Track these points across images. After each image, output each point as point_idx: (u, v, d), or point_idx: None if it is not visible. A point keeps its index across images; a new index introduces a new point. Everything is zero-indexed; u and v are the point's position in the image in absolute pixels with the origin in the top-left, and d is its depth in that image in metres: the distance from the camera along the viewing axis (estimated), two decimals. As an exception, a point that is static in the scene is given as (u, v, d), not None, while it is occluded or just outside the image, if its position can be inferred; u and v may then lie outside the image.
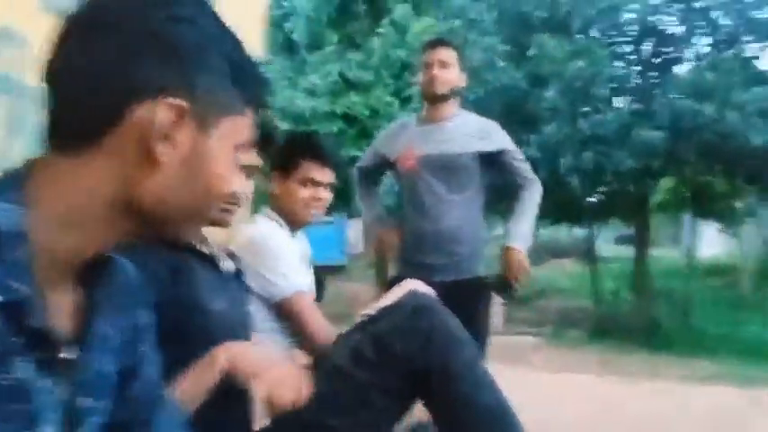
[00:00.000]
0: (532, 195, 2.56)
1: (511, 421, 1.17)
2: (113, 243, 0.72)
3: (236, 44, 0.73)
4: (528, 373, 5.35)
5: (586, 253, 10.05)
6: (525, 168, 2.57)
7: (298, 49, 12.60)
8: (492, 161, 2.52)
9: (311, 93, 11.43)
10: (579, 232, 11.85)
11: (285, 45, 13.04)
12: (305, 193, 1.83)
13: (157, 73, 0.65)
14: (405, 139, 2.53)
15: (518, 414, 1.22)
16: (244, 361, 1.11)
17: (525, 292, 9.72)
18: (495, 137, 2.54)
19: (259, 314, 1.68)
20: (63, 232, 0.66)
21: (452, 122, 2.51)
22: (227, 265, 1.42)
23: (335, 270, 9.89)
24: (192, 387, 1.08)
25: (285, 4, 13.01)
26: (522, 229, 2.51)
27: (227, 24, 0.73)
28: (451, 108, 2.53)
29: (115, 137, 0.65)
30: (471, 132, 2.50)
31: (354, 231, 10.27)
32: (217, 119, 0.69)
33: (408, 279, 1.88)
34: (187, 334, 1.16)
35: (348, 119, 11.28)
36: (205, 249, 1.36)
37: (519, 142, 7.75)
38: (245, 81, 0.72)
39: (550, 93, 7.71)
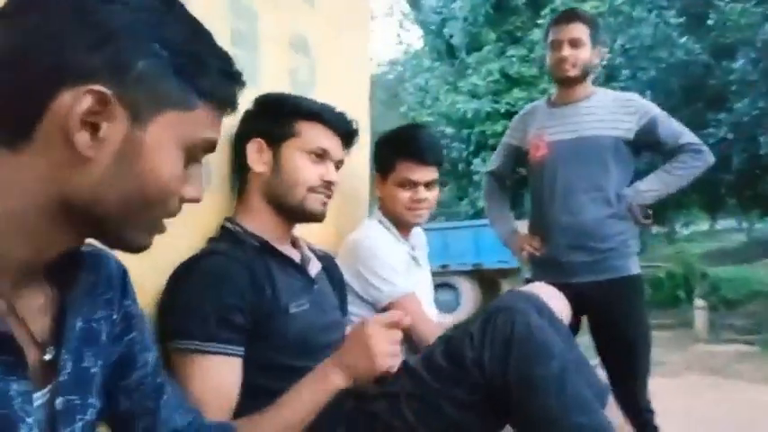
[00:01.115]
0: (687, 160, 2.13)
1: None
2: (66, 248, 0.68)
3: (186, 31, 0.66)
4: (734, 386, 4.62)
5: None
6: (687, 135, 2.15)
7: (458, 53, 12.53)
8: (640, 140, 2.14)
9: (473, 94, 11.28)
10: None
11: (446, 50, 13.07)
12: (404, 195, 1.73)
13: (84, 57, 0.60)
14: (535, 124, 2.26)
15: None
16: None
17: (735, 294, 8.62)
18: (638, 110, 2.16)
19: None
20: (6, 239, 0.62)
21: (587, 103, 2.19)
22: (316, 268, 1.39)
23: (509, 273, 9.57)
24: (304, 402, 1.04)
25: (443, 9, 13.03)
26: (643, 184, 2.16)
27: (183, 9, 0.67)
28: (586, 88, 2.21)
29: (43, 129, 0.60)
30: (610, 111, 2.16)
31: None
32: (155, 111, 0.64)
33: (534, 283, 1.66)
34: (269, 336, 1.18)
35: (512, 116, 10.90)
36: (289, 252, 1.33)
37: (706, 124, 7.01)
38: (198, 73, 0.66)
39: (739, 64, 6.73)
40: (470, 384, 1.04)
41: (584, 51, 2.14)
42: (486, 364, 1.02)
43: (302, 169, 1.29)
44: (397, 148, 1.74)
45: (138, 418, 0.84)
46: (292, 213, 1.32)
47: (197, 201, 0.72)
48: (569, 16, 2.21)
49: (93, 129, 0.61)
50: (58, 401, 0.68)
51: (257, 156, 1.31)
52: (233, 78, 0.71)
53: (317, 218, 1.34)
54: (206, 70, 0.67)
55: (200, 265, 1.16)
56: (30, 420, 0.63)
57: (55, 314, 0.70)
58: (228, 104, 0.71)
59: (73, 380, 0.70)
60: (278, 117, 1.31)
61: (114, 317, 0.80)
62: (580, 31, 2.14)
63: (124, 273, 0.82)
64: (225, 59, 0.69)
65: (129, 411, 0.83)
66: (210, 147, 0.71)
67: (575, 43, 2.13)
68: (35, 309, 0.68)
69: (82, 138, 0.60)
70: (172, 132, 0.65)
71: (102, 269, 0.78)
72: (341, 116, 1.36)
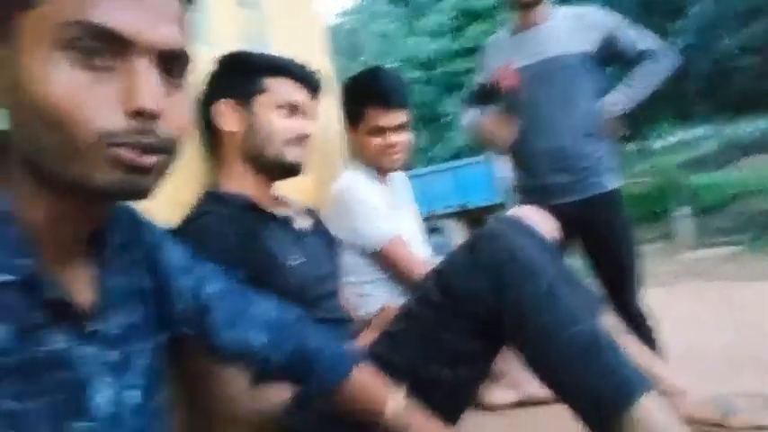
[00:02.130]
0: (645, 67, 2.12)
1: (606, 349, 0.94)
2: (66, 215, 0.65)
3: None
4: (723, 287, 4.75)
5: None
6: (642, 42, 2.14)
7: (412, -6, 12.28)
8: (604, 53, 2.13)
9: (432, 34, 11.12)
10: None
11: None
12: (376, 141, 1.71)
13: None
14: (501, 56, 2.23)
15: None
16: None
17: (716, 198, 8.76)
18: (597, 23, 2.14)
19: (360, 266, 1.68)
20: (30, 205, 0.62)
21: (547, 24, 2.16)
22: (302, 223, 1.40)
23: (493, 210, 9.67)
24: None
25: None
26: (610, 97, 2.14)
27: None
28: (544, 11, 2.18)
29: None
30: (570, 29, 2.13)
31: (504, 168, 9.94)
32: (8, 23, 0.57)
33: (520, 207, 1.67)
34: (270, 290, 1.14)
35: (474, 53, 10.79)
36: (274, 210, 1.33)
37: (665, 33, 6.95)
38: None
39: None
40: (466, 314, 1.05)
41: None
42: (478, 291, 1.03)
43: (275, 123, 1.29)
44: (362, 97, 1.71)
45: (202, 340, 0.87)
46: (271, 168, 1.32)
47: (140, 110, 0.58)
48: None
49: None
50: (113, 354, 0.70)
51: (228, 117, 1.30)
52: None
53: (295, 170, 1.34)
54: None
55: (186, 229, 1.16)
56: (108, 379, 0.68)
57: (97, 281, 0.71)
58: None
59: (124, 332, 0.72)
60: (244, 75, 1.29)
61: (139, 256, 0.80)
62: None
63: (129, 213, 0.80)
64: None
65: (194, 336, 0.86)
66: (104, 34, 0.57)
67: None
68: (81, 280, 0.69)
69: None
70: (35, 36, 0.56)
71: (113, 220, 0.75)
72: (305, 68, 1.35)
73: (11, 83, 0.58)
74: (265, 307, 0.93)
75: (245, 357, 0.89)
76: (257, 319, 0.90)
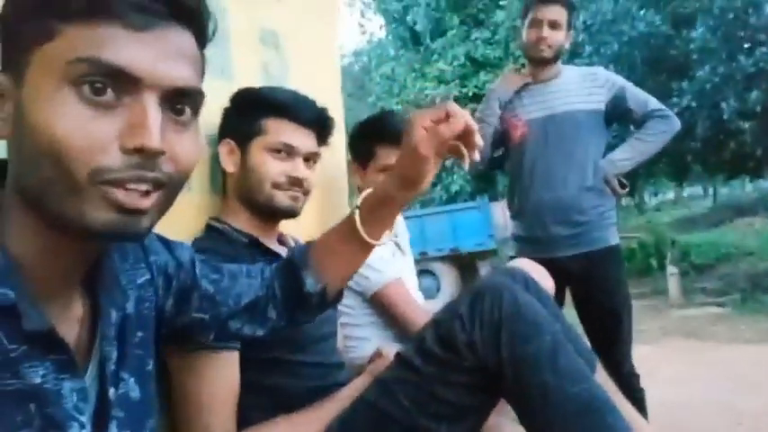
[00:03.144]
0: (656, 126, 2.19)
1: (604, 413, 0.94)
2: (58, 249, 0.64)
3: None
4: (710, 347, 4.75)
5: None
6: (652, 102, 2.22)
7: (422, 39, 12.51)
8: (610, 111, 2.20)
9: (440, 80, 11.31)
10: (763, 185, 10.50)
11: (410, 37, 13.04)
12: None
13: None
14: (510, 105, 2.29)
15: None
16: None
17: (706, 258, 8.80)
18: (606, 82, 2.21)
19: (355, 308, 1.68)
20: (23, 236, 0.62)
21: (558, 80, 2.24)
22: None
23: (486, 255, 9.66)
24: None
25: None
26: (617, 154, 2.21)
27: None
28: (555, 68, 2.26)
29: None
30: (579, 87, 2.21)
31: (500, 214, 9.98)
32: (23, 59, 0.58)
33: (517, 259, 1.70)
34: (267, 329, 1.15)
35: (479, 100, 10.94)
36: (276, 249, 1.32)
37: (669, 93, 7.11)
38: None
39: (699, 32, 6.85)
40: (464, 368, 1.03)
41: (560, 34, 2.18)
42: (479, 345, 1.01)
43: (265, 166, 1.26)
44: (374, 135, 1.74)
45: (211, 323, 0.92)
46: (263, 210, 1.29)
47: (142, 148, 0.58)
48: None
49: (1, 106, 0.60)
50: (111, 392, 0.69)
51: (227, 157, 1.29)
52: None
53: (287, 214, 1.31)
54: None
55: None
56: (83, 418, 0.64)
57: (87, 316, 0.70)
58: (103, 9, 0.58)
59: (119, 366, 0.71)
60: (245, 115, 1.29)
61: (147, 277, 0.81)
62: (560, 13, 2.18)
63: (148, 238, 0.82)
64: None
65: (204, 323, 0.91)
66: (113, 71, 0.57)
67: (553, 25, 2.17)
68: (72, 315, 0.68)
69: None
70: (44, 71, 0.57)
71: (112, 251, 0.76)
72: (310, 107, 1.31)
73: (12, 114, 0.59)
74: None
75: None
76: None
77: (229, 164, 1.29)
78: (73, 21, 0.57)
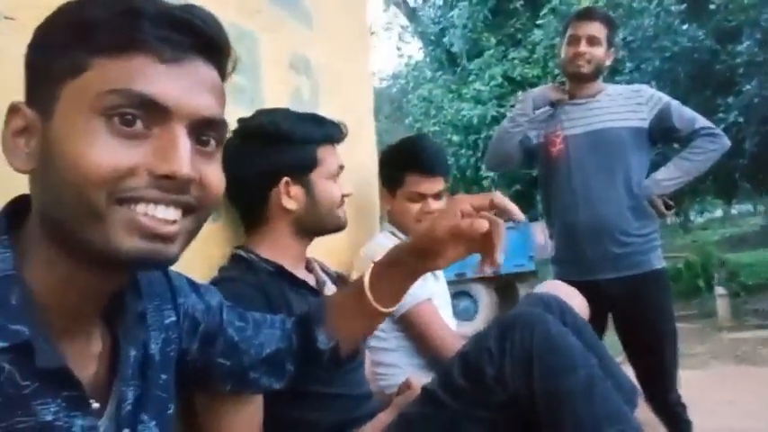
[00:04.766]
0: (703, 144, 2.10)
1: None
2: (80, 282, 0.64)
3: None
4: (764, 373, 4.54)
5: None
6: (700, 120, 2.14)
7: (459, 61, 12.52)
8: (655, 129, 2.13)
9: (477, 100, 11.25)
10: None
11: (447, 59, 13.06)
12: (414, 207, 1.72)
13: None
14: (548, 120, 2.25)
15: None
16: None
17: (755, 279, 8.46)
18: (649, 99, 2.15)
19: (388, 332, 1.66)
20: (43, 269, 0.63)
21: (600, 96, 2.19)
22: (328, 290, 1.36)
23: (526, 277, 9.50)
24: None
25: (441, 19, 13.06)
26: (662, 174, 2.13)
27: None
28: (596, 86, 2.21)
29: None
30: (621, 104, 2.15)
31: (540, 235, 9.83)
32: (52, 94, 0.59)
33: (551, 281, 1.65)
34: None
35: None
36: (304, 276, 1.32)
37: (715, 109, 6.94)
38: (86, 33, 0.59)
39: (745, 45, 6.67)
40: (493, 403, 0.99)
41: (599, 50, 2.15)
42: (509, 380, 0.97)
43: (333, 193, 1.31)
44: (404, 163, 1.73)
45: (232, 370, 0.91)
46: (324, 232, 1.35)
47: (173, 175, 0.59)
48: (591, 14, 2.24)
49: (27, 141, 0.61)
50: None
51: (290, 196, 1.28)
52: (126, 16, 0.59)
53: (344, 227, 1.37)
54: (93, 23, 0.59)
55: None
56: None
57: (107, 354, 0.70)
58: (133, 43, 0.59)
59: (135, 406, 0.70)
60: (299, 149, 1.27)
61: (173, 319, 0.80)
62: (599, 29, 2.15)
63: (165, 272, 0.81)
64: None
65: (225, 369, 0.90)
66: (145, 102, 0.59)
67: (592, 41, 2.14)
68: (87, 353, 0.68)
69: (11, 154, 0.61)
70: (75, 104, 0.58)
71: (143, 282, 0.76)
72: (340, 128, 1.35)
73: (39, 147, 0.60)
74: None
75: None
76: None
77: (292, 202, 1.28)
78: (103, 54, 0.58)
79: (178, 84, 0.60)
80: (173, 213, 0.61)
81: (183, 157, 0.59)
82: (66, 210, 0.59)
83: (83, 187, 0.57)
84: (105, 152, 0.57)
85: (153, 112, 0.59)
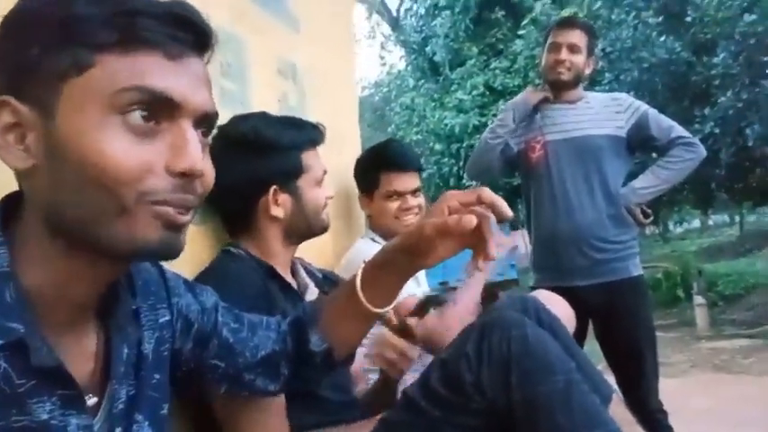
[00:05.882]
0: (680, 153, 2.14)
1: None
2: (102, 279, 0.66)
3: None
4: (741, 381, 4.60)
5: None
6: (677, 129, 2.18)
7: (442, 70, 12.60)
8: (633, 138, 2.16)
9: (459, 109, 11.32)
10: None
11: (429, 68, 13.13)
12: (393, 205, 1.78)
13: None
14: (528, 126, 2.27)
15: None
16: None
17: (735, 288, 8.58)
18: (628, 107, 2.19)
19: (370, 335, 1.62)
20: (39, 265, 0.62)
21: (580, 104, 2.22)
22: (310, 294, 1.37)
23: (508, 285, 9.52)
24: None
25: (424, 28, 13.15)
26: (639, 182, 2.16)
27: None
28: (576, 93, 2.24)
29: None
30: (600, 111, 2.19)
31: (522, 244, 9.91)
32: (53, 92, 0.58)
33: (541, 291, 1.67)
34: None
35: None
36: (289, 279, 1.33)
37: (691, 120, 7.05)
38: (84, 30, 0.58)
39: (720, 57, 6.80)
40: (472, 410, 0.98)
41: (579, 57, 2.18)
42: (486, 386, 0.96)
43: (319, 198, 1.33)
44: (377, 163, 1.78)
45: (226, 371, 0.90)
46: (309, 236, 1.37)
47: (190, 172, 0.61)
48: (572, 22, 2.29)
49: (19, 137, 0.60)
50: (118, 431, 0.68)
51: (277, 204, 1.29)
52: (126, 13, 0.59)
53: (327, 230, 1.40)
54: (90, 20, 0.58)
55: (206, 277, 1.16)
56: None
57: (101, 351, 0.69)
58: (138, 39, 0.59)
59: (129, 405, 0.70)
60: (283, 156, 1.28)
61: (167, 318, 0.80)
62: (579, 37, 2.19)
63: (161, 272, 0.81)
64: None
65: (220, 371, 0.89)
66: (158, 98, 0.60)
67: (572, 48, 2.17)
68: (82, 349, 0.68)
69: (6, 151, 0.60)
70: (84, 101, 0.58)
71: (138, 281, 0.76)
72: (320, 129, 1.35)
73: (40, 144, 0.59)
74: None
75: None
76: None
77: (280, 210, 1.29)
78: (107, 51, 0.58)
79: (183, 80, 0.62)
80: (186, 210, 0.64)
81: (195, 152, 0.61)
82: (85, 206, 0.59)
83: (112, 186, 0.58)
84: (126, 150, 0.59)
85: (164, 108, 0.61)
